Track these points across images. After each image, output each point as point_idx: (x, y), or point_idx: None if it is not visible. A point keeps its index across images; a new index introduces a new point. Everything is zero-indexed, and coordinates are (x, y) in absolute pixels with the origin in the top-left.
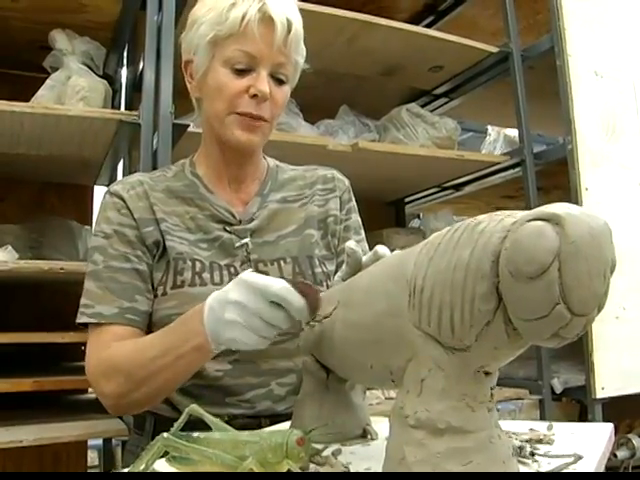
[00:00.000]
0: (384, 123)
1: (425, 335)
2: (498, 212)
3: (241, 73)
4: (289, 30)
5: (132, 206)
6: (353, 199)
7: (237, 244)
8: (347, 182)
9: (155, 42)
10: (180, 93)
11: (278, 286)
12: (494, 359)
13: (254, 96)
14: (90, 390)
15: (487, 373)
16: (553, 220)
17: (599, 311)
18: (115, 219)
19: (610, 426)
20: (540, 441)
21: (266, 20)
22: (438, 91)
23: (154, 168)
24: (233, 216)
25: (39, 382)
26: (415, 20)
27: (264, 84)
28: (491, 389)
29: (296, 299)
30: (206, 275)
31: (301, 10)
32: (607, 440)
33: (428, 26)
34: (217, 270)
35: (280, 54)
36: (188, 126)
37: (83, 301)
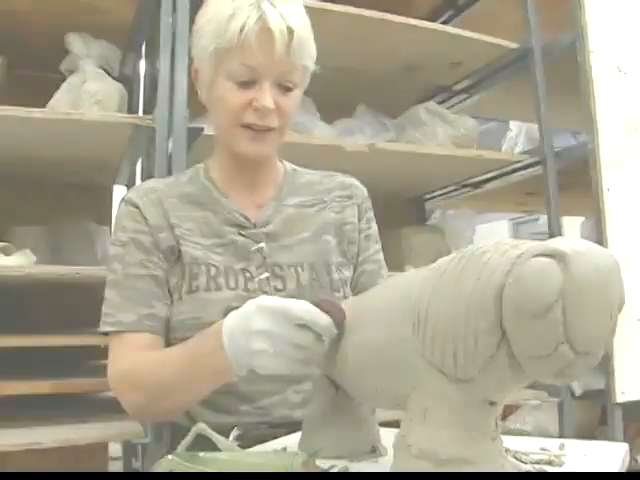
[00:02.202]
0: (401, 122)
1: (429, 364)
2: (505, 241)
3: (245, 85)
4: (290, 38)
5: (146, 213)
6: (371, 208)
7: (252, 248)
8: (365, 191)
9: (170, 44)
10: (195, 94)
11: (301, 307)
12: (499, 391)
13: (257, 109)
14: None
15: (492, 403)
16: (558, 257)
17: (605, 349)
18: (130, 227)
19: (625, 447)
20: (550, 463)
21: (265, 31)
22: (457, 87)
23: (169, 172)
24: (247, 219)
25: (57, 385)
26: (434, 15)
27: (267, 98)
28: (495, 419)
29: (322, 317)
30: (221, 280)
31: (315, 9)
32: (620, 463)
33: (447, 21)
34: (232, 274)
35: (283, 63)
36: (202, 129)
37: (105, 310)
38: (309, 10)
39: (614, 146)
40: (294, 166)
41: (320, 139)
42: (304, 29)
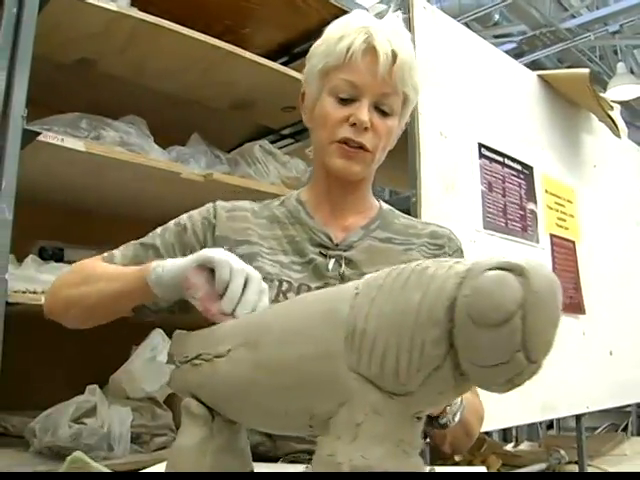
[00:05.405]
0: (235, 157)
1: (362, 379)
2: (439, 258)
3: (345, 102)
4: (394, 61)
5: (219, 223)
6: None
7: (331, 268)
8: (459, 243)
9: (12, 37)
10: (34, 100)
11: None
12: (434, 404)
13: (353, 125)
14: None
15: (419, 417)
16: (516, 270)
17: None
18: (194, 218)
19: None
20: None
21: (370, 51)
22: (285, 131)
23: None
24: (330, 240)
25: None
26: (269, 57)
27: (363, 113)
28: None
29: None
30: (291, 295)
31: (163, 28)
32: None
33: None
34: (305, 292)
35: (384, 85)
36: (39, 134)
37: None
38: (152, 26)
39: (433, 201)
40: (392, 207)
41: (157, 162)
42: (408, 58)
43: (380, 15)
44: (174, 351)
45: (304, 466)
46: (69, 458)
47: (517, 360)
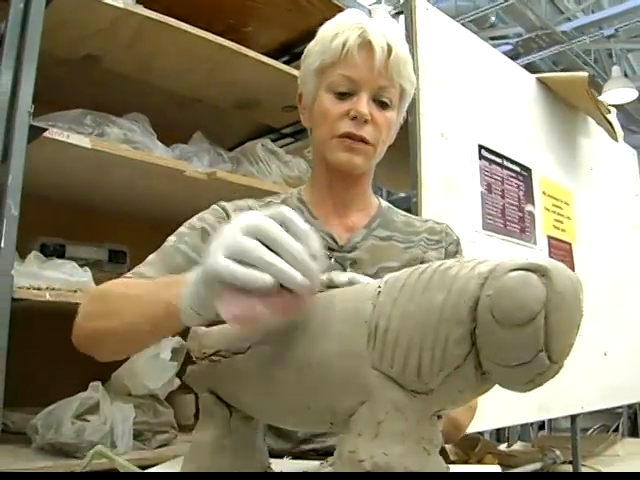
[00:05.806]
0: (237, 155)
1: (384, 377)
2: (465, 258)
3: (343, 97)
4: (389, 54)
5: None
6: (462, 251)
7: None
8: (455, 236)
9: (18, 33)
10: (39, 96)
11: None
12: (454, 403)
13: (354, 118)
14: None
15: (439, 416)
16: (539, 271)
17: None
18: (209, 220)
19: None
20: None
21: (365, 45)
22: (286, 130)
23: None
24: (335, 241)
25: None
26: (271, 56)
27: (363, 106)
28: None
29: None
30: None
31: (169, 26)
32: None
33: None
34: None
35: (381, 77)
36: (45, 129)
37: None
38: (157, 24)
39: (434, 201)
40: (390, 205)
41: (162, 159)
42: (403, 51)
43: (371, 16)
44: (191, 347)
45: (319, 462)
46: (91, 452)
47: (540, 360)
